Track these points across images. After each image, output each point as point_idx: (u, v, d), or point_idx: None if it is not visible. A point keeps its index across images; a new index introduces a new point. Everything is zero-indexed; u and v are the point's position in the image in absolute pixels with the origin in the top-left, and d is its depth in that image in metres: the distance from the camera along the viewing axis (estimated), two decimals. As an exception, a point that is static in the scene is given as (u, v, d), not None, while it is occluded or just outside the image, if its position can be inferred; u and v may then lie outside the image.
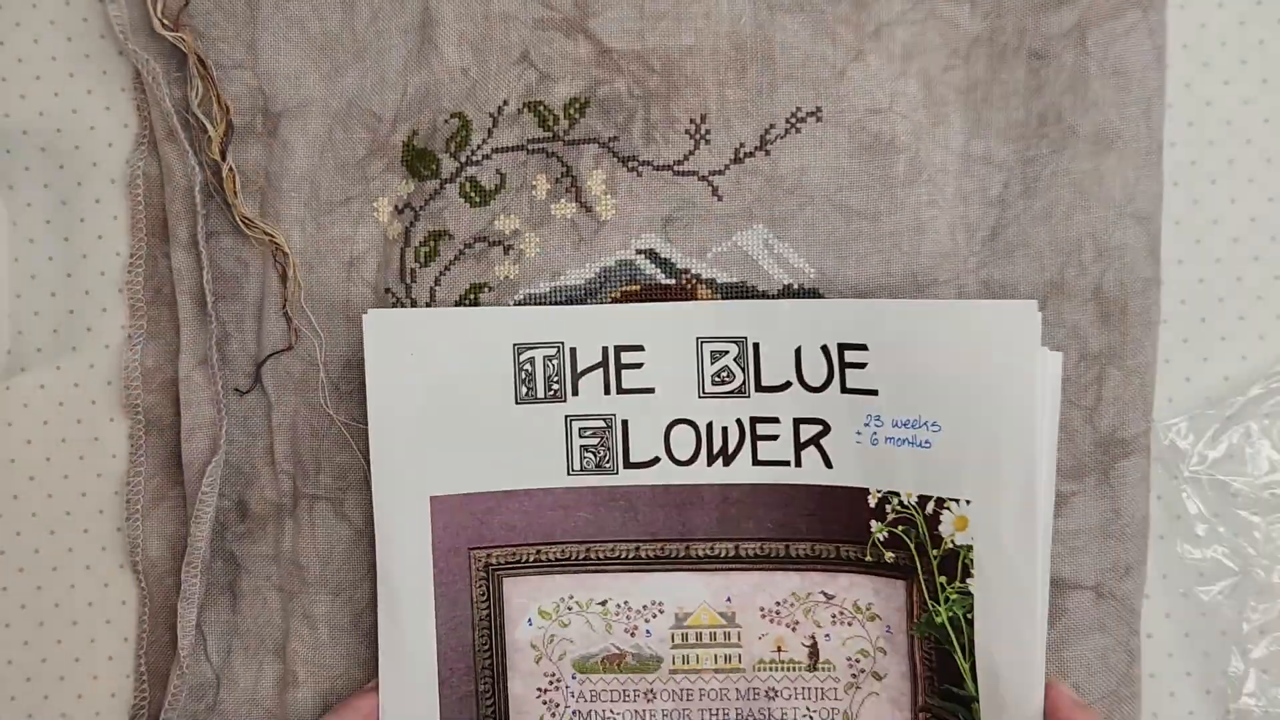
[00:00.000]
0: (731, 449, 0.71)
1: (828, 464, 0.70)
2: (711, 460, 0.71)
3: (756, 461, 0.71)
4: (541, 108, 0.74)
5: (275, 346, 0.75)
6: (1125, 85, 0.72)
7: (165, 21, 0.74)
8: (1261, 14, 0.75)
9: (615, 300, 0.74)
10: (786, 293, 0.74)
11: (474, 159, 0.75)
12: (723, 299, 0.74)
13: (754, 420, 0.71)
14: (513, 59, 0.74)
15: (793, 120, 0.74)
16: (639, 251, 0.75)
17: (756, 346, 0.70)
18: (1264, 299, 0.75)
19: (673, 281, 0.75)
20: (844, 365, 0.69)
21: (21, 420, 0.78)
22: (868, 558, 0.70)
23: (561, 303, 0.75)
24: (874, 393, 0.69)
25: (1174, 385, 0.76)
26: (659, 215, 0.75)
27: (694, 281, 0.74)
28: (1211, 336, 0.76)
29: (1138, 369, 0.73)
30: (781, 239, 0.74)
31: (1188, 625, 0.75)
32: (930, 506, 0.68)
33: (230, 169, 0.74)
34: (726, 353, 0.70)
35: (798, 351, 0.70)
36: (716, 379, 0.70)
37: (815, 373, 0.70)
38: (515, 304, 0.75)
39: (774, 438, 0.70)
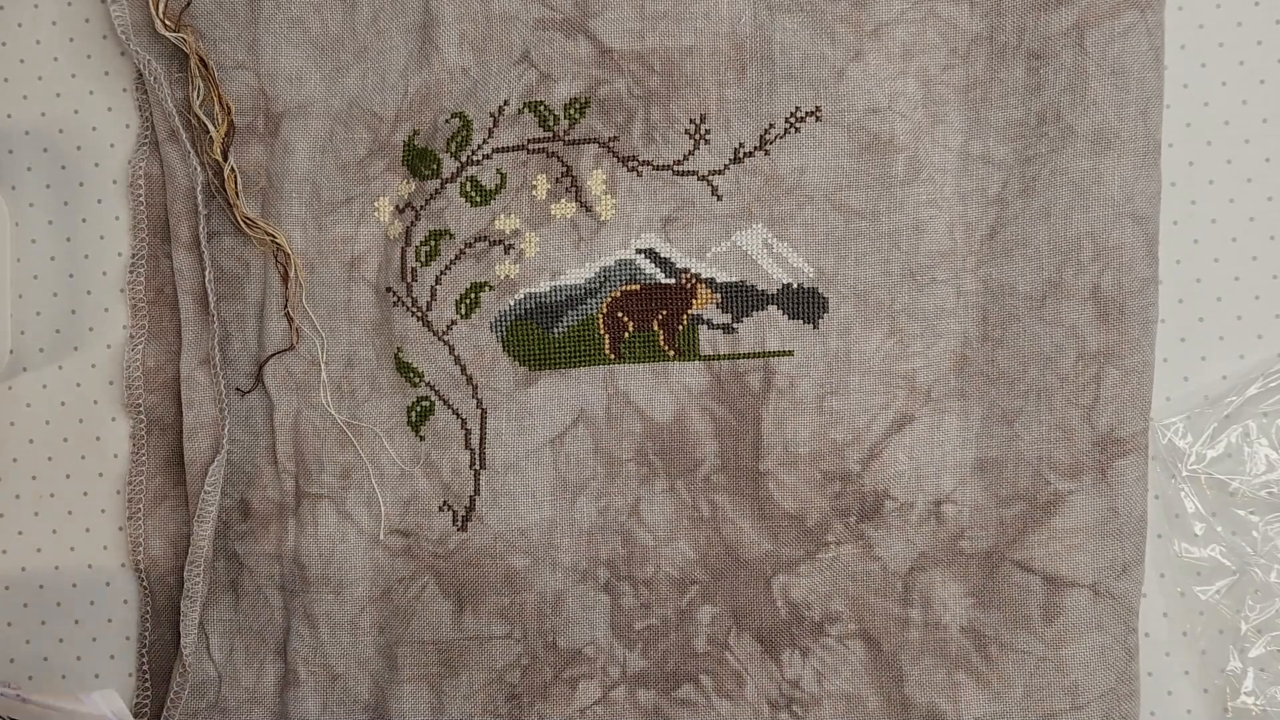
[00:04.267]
0: None
1: None
2: None
3: None
4: (542, 108, 0.75)
5: (277, 346, 0.76)
6: (1123, 85, 0.72)
7: (167, 22, 0.74)
8: (1259, 15, 0.75)
9: (614, 299, 0.75)
10: (786, 292, 0.74)
11: (474, 159, 0.75)
12: (722, 298, 0.74)
13: None
14: (513, 59, 0.74)
15: (792, 120, 0.74)
16: (639, 251, 0.75)
17: None
18: (1262, 298, 0.75)
19: (672, 281, 0.75)
20: None
21: (24, 420, 0.78)
22: None
23: (561, 301, 0.75)
24: None
25: (1172, 384, 0.76)
26: (659, 215, 0.75)
27: (694, 281, 0.75)
28: (1209, 336, 0.76)
29: (1136, 368, 0.73)
30: (781, 238, 0.74)
31: (1185, 624, 0.76)
32: None
33: (232, 169, 0.75)
34: None
35: None
36: None
37: None
38: (515, 302, 0.75)
39: None
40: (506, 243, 0.75)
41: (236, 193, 0.75)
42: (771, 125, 0.74)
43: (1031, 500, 0.74)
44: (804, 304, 0.75)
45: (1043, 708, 0.74)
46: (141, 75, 0.76)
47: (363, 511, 0.76)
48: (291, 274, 0.75)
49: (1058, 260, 0.73)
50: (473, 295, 0.75)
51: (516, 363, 0.75)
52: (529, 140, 0.75)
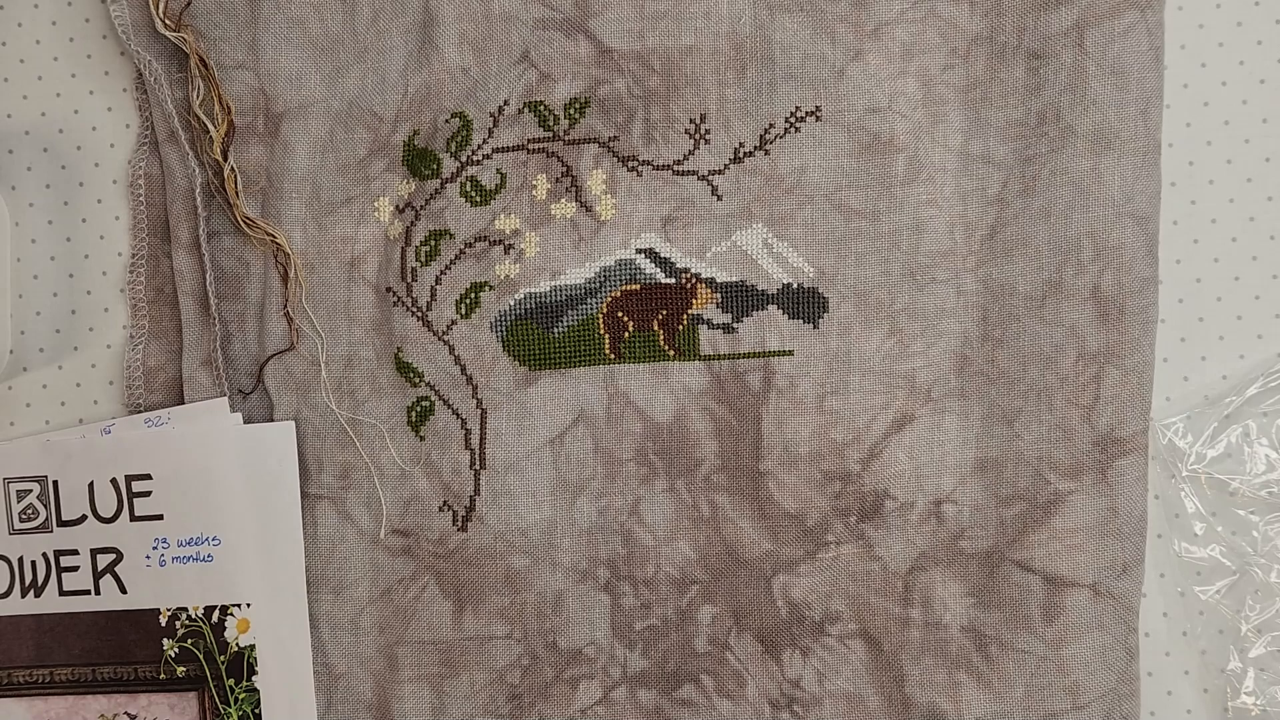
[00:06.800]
0: (40, 581, 0.75)
1: (122, 589, 0.75)
2: (24, 593, 0.75)
3: (63, 592, 0.75)
4: (542, 108, 0.75)
5: (277, 346, 0.76)
6: (1123, 85, 0.72)
7: (167, 22, 0.74)
8: (1259, 15, 0.75)
9: (614, 299, 0.75)
10: (786, 292, 0.74)
11: (474, 159, 0.75)
12: (722, 297, 0.74)
13: (57, 553, 0.75)
14: (513, 59, 0.74)
15: (792, 120, 0.74)
16: (639, 251, 0.75)
17: (56, 484, 0.74)
18: (1262, 298, 0.75)
19: (672, 281, 0.75)
20: (131, 495, 0.74)
21: (24, 419, 0.78)
22: (161, 675, 0.75)
23: (561, 301, 0.75)
24: (160, 517, 0.74)
25: (1172, 384, 0.76)
26: (659, 215, 0.75)
27: (694, 281, 0.75)
28: (1209, 336, 0.76)
29: (1136, 368, 0.73)
30: (781, 238, 0.75)
31: (1185, 624, 0.76)
32: (216, 615, 0.75)
33: (232, 169, 0.75)
34: (30, 491, 0.74)
35: (90, 486, 0.74)
36: (23, 516, 0.74)
37: (106, 504, 0.74)
38: (515, 302, 0.75)
39: (75, 569, 0.75)
40: (506, 243, 0.75)
41: (236, 193, 0.75)
42: (771, 125, 0.74)
43: (1031, 500, 0.74)
44: (804, 304, 0.75)
45: (1043, 707, 0.74)
46: (141, 75, 0.76)
47: (362, 511, 0.76)
48: (291, 274, 0.75)
49: (1058, 260, 0.73)
50: (473, 295, 0.75)
51: (516, 363, 0.75)
52: (529, 140, 0.75)
